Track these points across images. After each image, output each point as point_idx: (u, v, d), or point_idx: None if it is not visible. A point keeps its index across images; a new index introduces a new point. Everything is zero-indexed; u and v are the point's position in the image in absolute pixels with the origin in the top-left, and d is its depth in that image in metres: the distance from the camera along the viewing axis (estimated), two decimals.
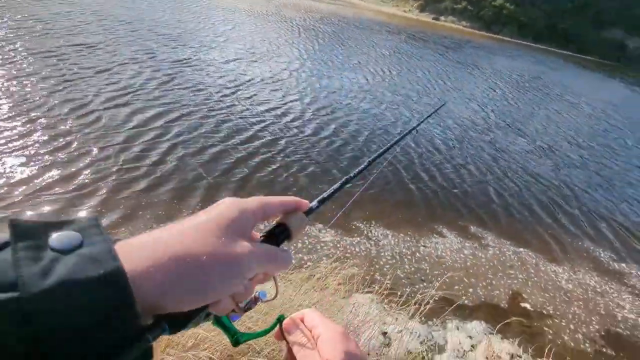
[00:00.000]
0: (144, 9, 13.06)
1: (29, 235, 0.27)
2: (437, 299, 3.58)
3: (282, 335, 0.45)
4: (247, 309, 0.44)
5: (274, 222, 0.45)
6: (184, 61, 8.53)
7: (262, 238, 0.43)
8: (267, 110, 7.00)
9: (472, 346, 2.88)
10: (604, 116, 14.94)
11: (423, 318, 3.27)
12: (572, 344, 3.48)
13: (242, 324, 1.78)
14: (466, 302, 3.69)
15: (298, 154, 5.66)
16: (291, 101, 7.87)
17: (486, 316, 3.50)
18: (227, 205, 0.38)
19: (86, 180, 3.93)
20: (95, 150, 4.42)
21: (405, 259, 4.04)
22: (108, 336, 0.25)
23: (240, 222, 0.37)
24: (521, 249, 4.73)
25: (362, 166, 0.66)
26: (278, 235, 0.43)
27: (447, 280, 3.77)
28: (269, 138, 5.90)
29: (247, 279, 0.36)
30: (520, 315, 3.67)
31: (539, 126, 10.95)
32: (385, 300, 3.29)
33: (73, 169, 4.03)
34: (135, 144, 4.78)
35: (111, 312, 0.26)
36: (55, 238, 0.28)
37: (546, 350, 2.98)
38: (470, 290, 3.85)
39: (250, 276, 0.37)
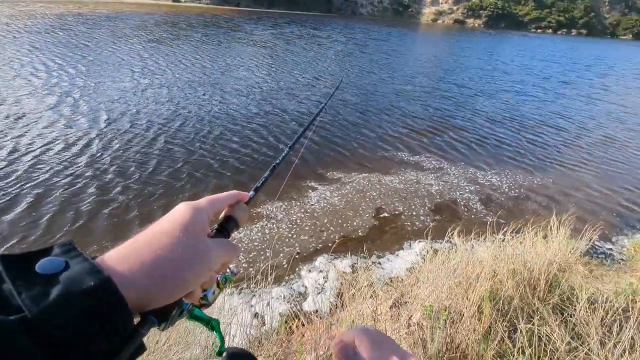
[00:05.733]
0: None
1: (18, 265, 0.31)
2: (297, 254, 4.00)
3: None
4: (219, 290, 0.53)
5: (222, 216, 0.51)
6: None
7: (214, 231, 0.48)
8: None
9: (324, 278, 3.36)
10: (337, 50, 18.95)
11: (287, 278, 3.54)
12: (420, 225, 4.77)
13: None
14: (334, 237, 4.34)
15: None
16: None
17: (340, 246, 4.17)
18: (184, 210, 0.43)
19: None
20: None
21: (291, 225, 4.56)
22: (109, 336, 0.30)
23: (198, 222, 0.42)
24: (365, 175, 6.05)
25: (285, 152, 0.72)
26: (227, 227, 0.49)
27: (322, 225, 4.55)
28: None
29: (213, 270, 0.43)
30: (385, 223, 4.76)
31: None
32: (256, 283, 3.31)
33: None
34: None
35: (108, 315, 0.30)
36: (41, 265, 0.31)
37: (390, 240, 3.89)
38: (348, 222, 4.67)
39: (216, 268, 0.43)
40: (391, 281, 3.04)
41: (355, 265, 3.49)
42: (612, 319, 1.92)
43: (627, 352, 1.67)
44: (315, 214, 4.87)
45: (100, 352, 0.30)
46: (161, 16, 31.71)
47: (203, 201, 0.46)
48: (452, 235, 3.22)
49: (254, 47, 18.57)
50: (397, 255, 3.92)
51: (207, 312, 0.54)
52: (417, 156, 7.03)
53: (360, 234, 4.52)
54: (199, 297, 0.47)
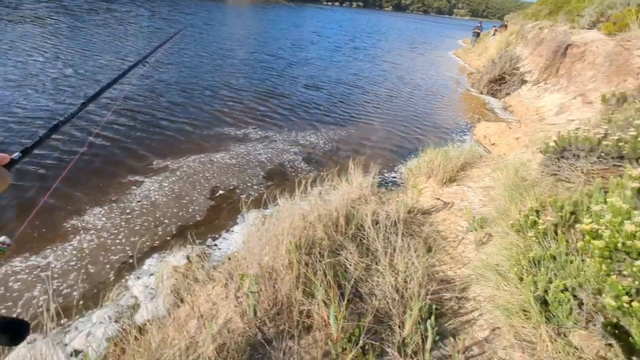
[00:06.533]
0: None
1: None
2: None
3: None
4: None
5: None
6: None
7: None
8: None
9: (156, 279, 3.03)
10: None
11: (112, 295, 3.00)
12: (255, 194, 4.83)
13: None
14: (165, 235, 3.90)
15: None
16: None
17: (173, 240, 3.80)
18: None
19: None
20: None
21: (117, 231, 3.91)
22: None
23: None
24: (195, 156, 5.69)
25: (76, 108, 0.63)
26: None
27: (156, 221, 3.97)
28: None
29: None
30: (222, 200, 4.62)
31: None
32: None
33: None
34: None
35: None
36: None
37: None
38: (184, 210, 4.37)
39: None
40: (229, 259, 3.02)
41: (190, 255, 3.29)
42: (390, 231, 2.52)
43: (397, 253, 2.23)
44: (144, 210, 4.28)
45: None
46: None
47: None
48: (278, 197, 3.42)
49: (26, 25, 13.69)
50: (233, 231, 3.92)
51: None
52: (245, 129, 7.06)
53: (198, 218, 4.27)
54: None
